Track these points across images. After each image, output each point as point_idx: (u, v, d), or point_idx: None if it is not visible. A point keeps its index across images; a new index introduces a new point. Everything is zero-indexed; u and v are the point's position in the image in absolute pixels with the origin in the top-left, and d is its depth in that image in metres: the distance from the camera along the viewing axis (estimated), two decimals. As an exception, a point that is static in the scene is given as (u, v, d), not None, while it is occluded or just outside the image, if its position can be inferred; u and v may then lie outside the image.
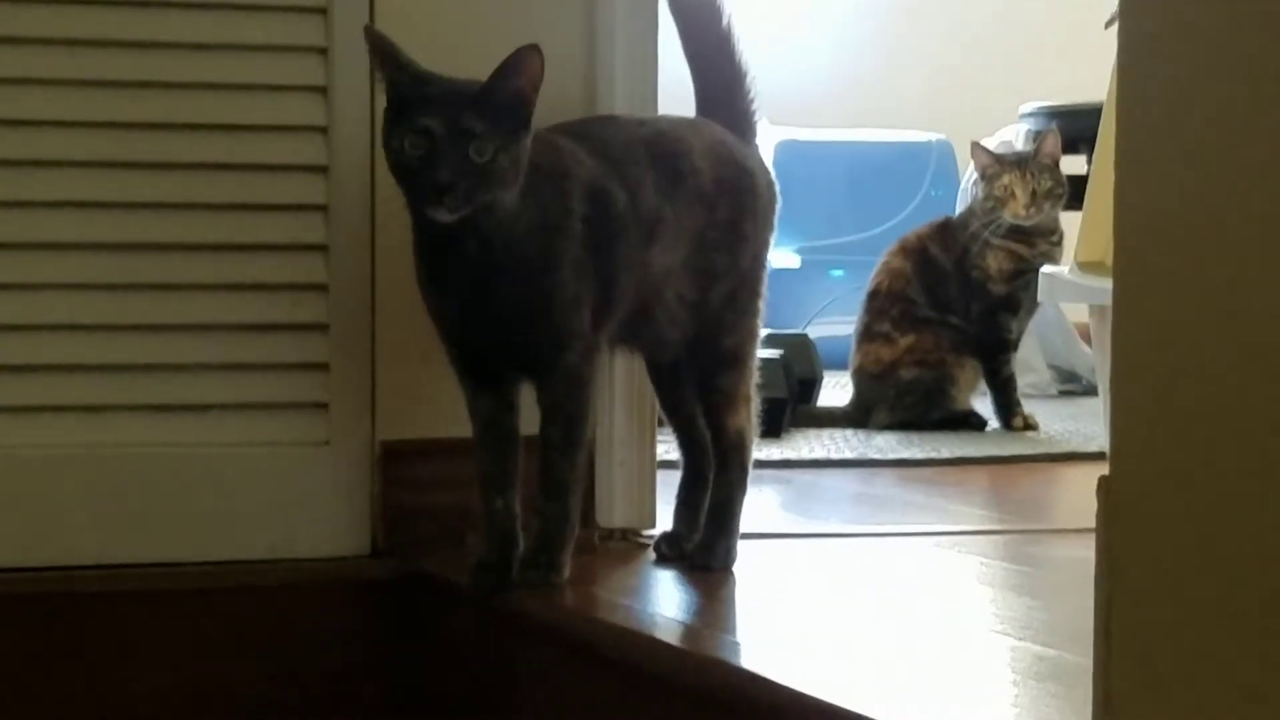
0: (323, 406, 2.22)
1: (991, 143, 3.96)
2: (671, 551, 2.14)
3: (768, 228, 2.13)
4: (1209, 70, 1.13)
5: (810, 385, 3.73)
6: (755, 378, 2.12)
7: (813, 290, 4.90)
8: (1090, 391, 4.20)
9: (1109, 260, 2.44)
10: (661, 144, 2.04)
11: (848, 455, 3.25)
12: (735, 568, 2.09)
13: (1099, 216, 2.52)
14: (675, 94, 2.24)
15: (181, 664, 2.16)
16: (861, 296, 3.88)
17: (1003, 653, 1.73)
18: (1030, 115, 4.32)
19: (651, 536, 2.23)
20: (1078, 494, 2.89)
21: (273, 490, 2.20)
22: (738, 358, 2.10)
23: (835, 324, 4.58)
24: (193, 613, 2.17)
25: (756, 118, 2.18)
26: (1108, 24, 3.07)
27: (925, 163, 5.16)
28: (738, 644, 1.83)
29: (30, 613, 2.13)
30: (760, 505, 2.44)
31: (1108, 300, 1.92)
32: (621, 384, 2.26)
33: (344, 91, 2.20)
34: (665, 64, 2.27)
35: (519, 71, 1.86)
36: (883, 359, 3.74)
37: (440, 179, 1.82)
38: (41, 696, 2.12)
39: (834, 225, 5.03)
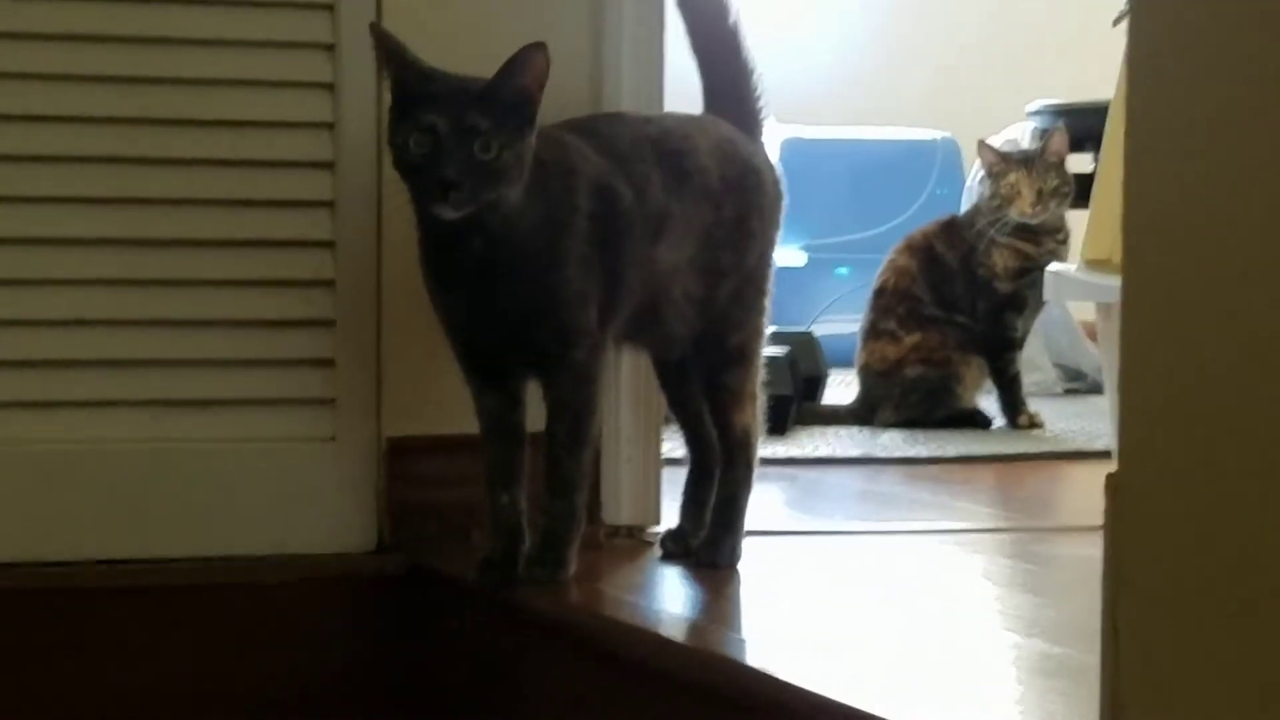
0: (329, 402, 2.22)
1: (998, 141, 3.96)
2: (677, 548, 2.14)
3: (774, 225, 2.13)
4: (1219, 67, 1.13)
5: (815, 383, 3.73)
6: (761, 375, 2.12)
7: (818, 288, 4.89)
8: (1095, 390, 4.19)
9: (1115, 258, 2.44)
10: (668, 141, 2.04)
11: (853, 453, 3.25)
12: (740, 565, 2.09)
13: (1105, 214, 2.52)
14: (682, 91, 2.23)
15: (185, 660, 2.16)
16: (867, 294, 3.87)
17: (1009, 650, 1.73)
18: (1037, 113, 4.31)
19: (657, 533, 2.23)
20: (1083, 492, 2.89)
21: (278, 486, 2.20)
22: (744, 355, 2.10)
23: (841, 322, 4.58)
24: (197, 608, 2.17)
25: (764, 115, 2.18)
26: (1116, 21, 3.06)
27: (931, 161, 5.15)
28: (743, 641, 1.83)
29: (36, 608, 2.13)
30: (765, 502, 2.44)
31: (1114, 298, 1.93)
32: (628, 381, 2.26)
33: (351, 88, 2.20)
34: (672, 61, 2.27)
35: (524, 69, 1.86)
36: (888, 357, 3.74)
37: (445, 176, 1.82)
38: (45, 692, 2.12)
39: (840, 223, 5.03)
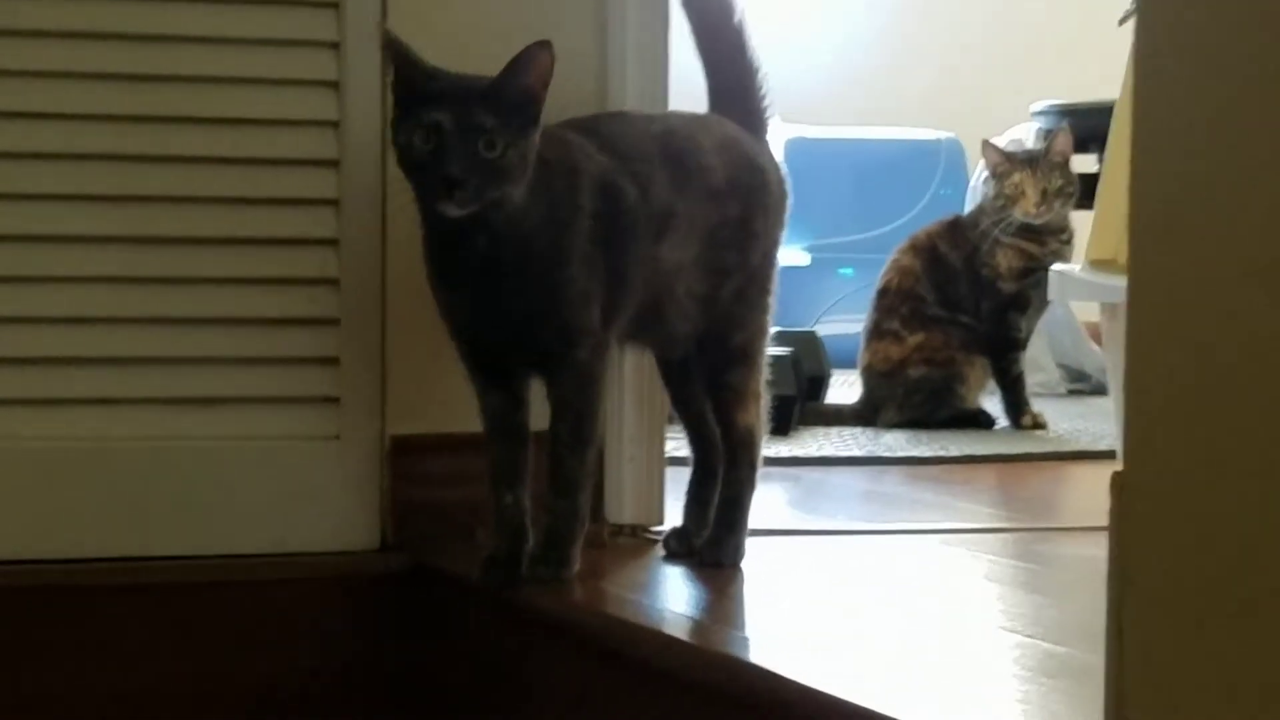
0: (333, 401, 2.22)
1: (1002, 141, 3.96)
2: (680, 547, 2.14)
3: (779, 225, 2.13)
4: (1226, 66, 1.12)
5: (819, 383, 3.73)
6: (765, 374, 2.12)
7: (822, 288, 4.90)
8: (1099, 390, 4.19)
9: (1120, 258, 2.44)
10: (672, 140, 2.04)
11: (856, 453, 3.25)
12: (744, 564, 2.09)
13: (1110, 215, 2.51)
14: (686, 91, 2.23)
15: (186, 658, 2.16)
16: (871, 294, 3.87)
17: (1012, 650, 1.73)
18: (1041, 113, 4.31)
19: (661, 532, 2.23)
20: (1086, 492, 2.89)
21: (282, 484, 2.20)
22: (748, 354, 2.09)
23: (844, 322, 4.58)
24: (199, 607, 2.17)
25: (768, 115, 2.18)
26: (1121, 21, 3.06)
27: (935, 161, 5.15)
28: (746, 639, 1.83)
29: (36, 606, 2.13)
30: (769, 502, 2.44)
31: (1119, 298, 1.92)
32: (631, 380, 2.26)
33: (356, 86, 2.20)
34: (676, 61, 2.27)
35: (529, 67, 1.86)
36: (892, 357, 3.74)
37: (450, 174, 1.82)
38: (45, 690, 2.12)
39: (843, 223, 5.03)
